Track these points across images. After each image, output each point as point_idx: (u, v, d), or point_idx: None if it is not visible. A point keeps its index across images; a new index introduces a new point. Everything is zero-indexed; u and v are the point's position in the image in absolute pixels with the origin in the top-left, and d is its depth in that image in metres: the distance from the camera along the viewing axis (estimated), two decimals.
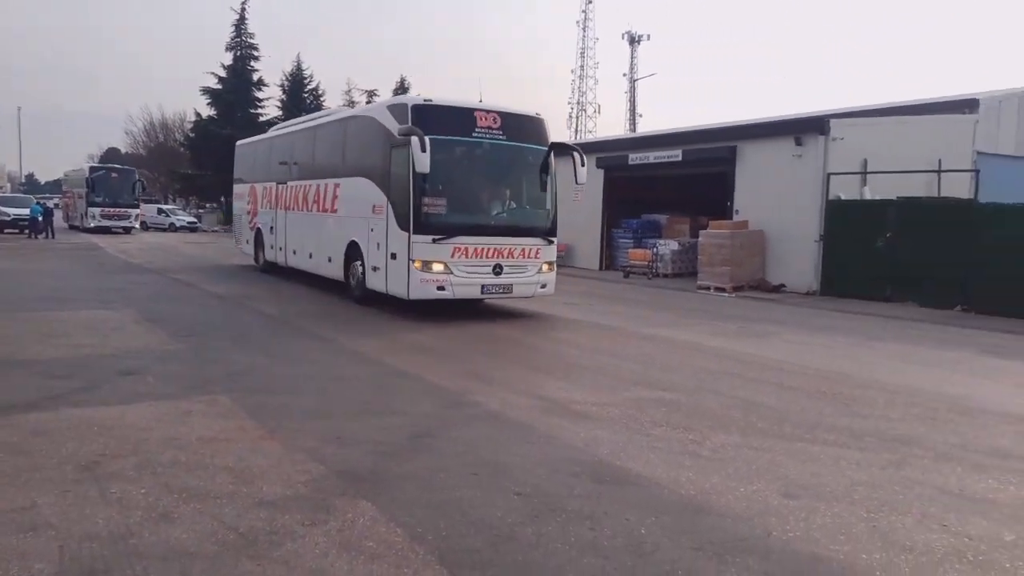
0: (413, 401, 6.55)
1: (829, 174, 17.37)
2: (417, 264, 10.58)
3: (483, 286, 11.03)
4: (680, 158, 21.42)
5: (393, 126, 11.08)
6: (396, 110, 11.33)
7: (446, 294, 10.78)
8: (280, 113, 49.23)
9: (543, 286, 11.68)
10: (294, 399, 6.47)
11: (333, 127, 14.64)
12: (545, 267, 11.63)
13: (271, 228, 17.40)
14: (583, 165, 11.84)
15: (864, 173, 17.86)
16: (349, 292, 12.91)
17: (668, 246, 21.39)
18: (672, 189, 24.01)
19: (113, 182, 36.94)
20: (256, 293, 14.19)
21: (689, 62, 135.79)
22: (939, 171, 18.06)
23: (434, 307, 11.44)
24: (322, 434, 5.41)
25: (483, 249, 10.92)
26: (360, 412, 6.11)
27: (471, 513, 4.12)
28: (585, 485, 4.63)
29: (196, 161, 50.60)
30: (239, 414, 5.87)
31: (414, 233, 10.58)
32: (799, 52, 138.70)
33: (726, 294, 17.25)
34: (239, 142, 21.46)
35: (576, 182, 11.71)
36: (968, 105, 24.35)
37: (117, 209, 36.51)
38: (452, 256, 10.69)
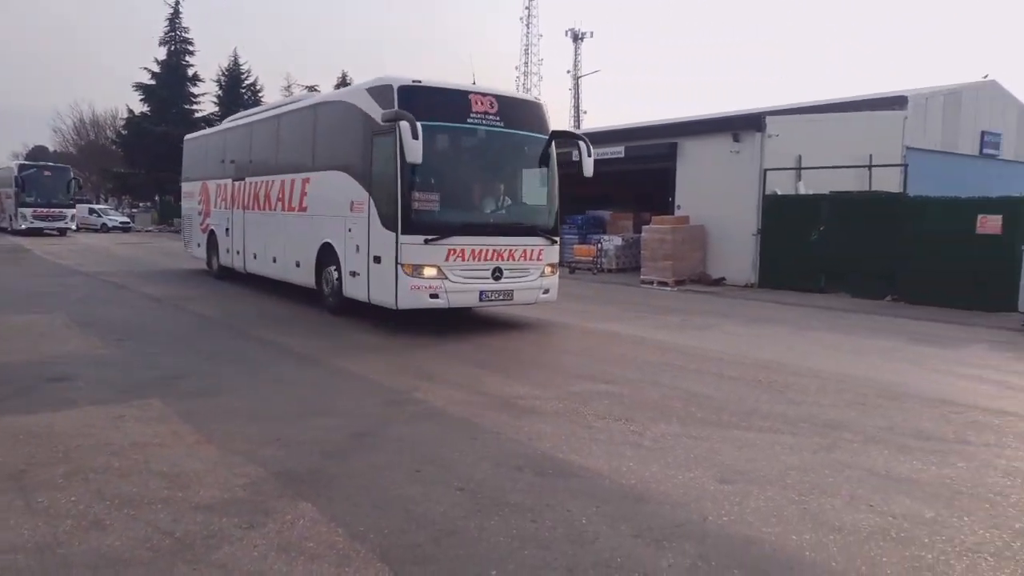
0: (356, 401, 6.49)
1: (766, 170, 17.84)
2: (406, 269, 9.27)
3: (481, 292, 9.76)
4: (623, 154, 21.69)
5: (375, 111, 9.73)
6: (378, 93, 9.85)
7: (440, 302, 9.49)
8: (216, 109, 48.13)
9: (546, 291, 10.47)
10: (233, 402, 6.34)
11: (300, 115, 12.95)
12: (548, 270, 10.44)
13: (227, 230, 15.74)
14: (590, 156, 10.59)
15: (799, 169, 18.40)
16: (323, 301, 11.44)
17: (612, 242, 21.67)
18: (615, 185, 24.27)
19: (46, 181, 35.38)
20: (198, 295, 13.84)
21: (632, 59, 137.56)
22: (870, 166, 18.74)
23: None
24: (261, 437, 5.32)
25: (481, 250, 9.67)
26: (301, 413, 6.02)
27: (414, 510, 4.12)
28: (528, 478, 4.67)
29: (129, 159, 49.08)
30: (174, 419, 5.72)
31: (403, 233, 9.24)
32: (739, 51, 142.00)
33: (668, 288, 17.57)
34: (187, 136, 20.23)
35: (583, 174, 10.59)
36: (898, 102, 25.34)
37: (51, 209, 34.96)
38: (447, 259, 9.41)
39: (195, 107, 49.36)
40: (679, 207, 19.75)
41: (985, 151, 30.04)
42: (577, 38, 69.84)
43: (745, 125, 18.67)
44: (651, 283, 18.08)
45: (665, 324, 11.65)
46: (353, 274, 10.42)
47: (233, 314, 11.59)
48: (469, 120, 9.69)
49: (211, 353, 8.45)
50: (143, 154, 45.57)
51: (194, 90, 49.17)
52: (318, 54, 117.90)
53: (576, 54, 70.21)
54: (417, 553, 3.61)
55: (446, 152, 9.86)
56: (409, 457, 4.98)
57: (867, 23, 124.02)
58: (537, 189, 10.61)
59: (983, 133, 29.92)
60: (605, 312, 12.99)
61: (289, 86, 52.58)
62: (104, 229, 41.77)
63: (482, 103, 9.76)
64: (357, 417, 5.93)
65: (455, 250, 9.48)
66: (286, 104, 14.64)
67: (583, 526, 3.97)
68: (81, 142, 66.68)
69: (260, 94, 50.82)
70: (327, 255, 11.25)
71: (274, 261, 13.32)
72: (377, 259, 9.74)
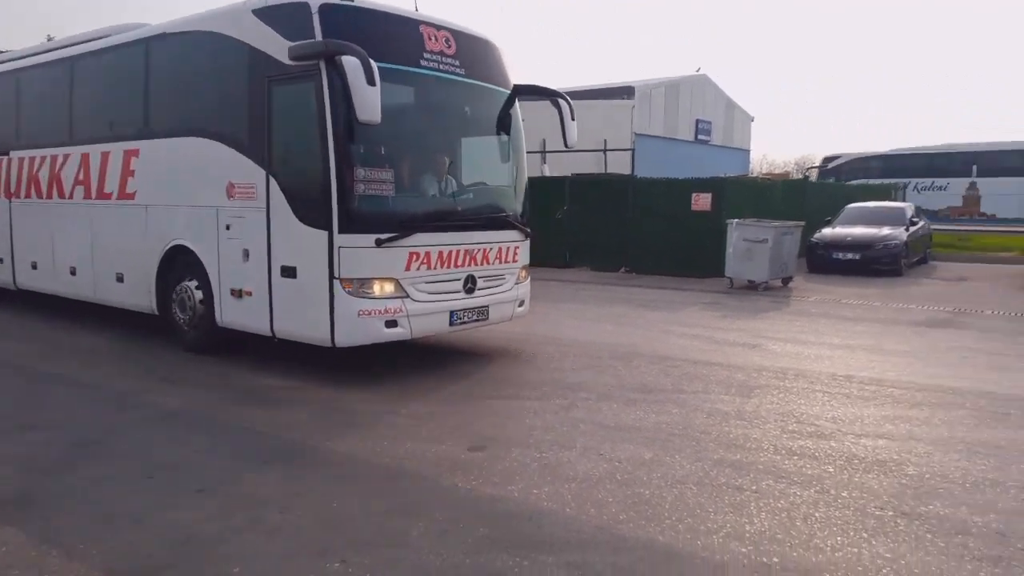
0: (77, 408, 5.81)
1: None
2: (347, 285, 6.30)
3: (452, 312, 7.02)
4: None
5: (274, 45, 6.55)
6: (279, 17, 6.59)
7: (400, 332, 6.60)
8: None
9: (521, 303, 8.07)
10: None
11: (117, 56, 8.76)
12: (522, 274, 8.10)
13: None
14: (573, 119, 8.25)
15: (544, 152, 19.61)
16: (179, 334, 7.91)
17: None
18: None
19: None
20: None
21: None
22: (605, 150, 20.53)
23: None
24: None
25: (451, 252, 6.98)
26: (5, 429, 5.25)
27: (146, 519, 3.79)
28: (278, 471, 4.52)
29: None
30: None
31: (341, 232, 6.24)
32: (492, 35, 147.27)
33: None
34: None
35: (565, 143, 8.38)
36: (626, 92, 27.97)
37: None
38: (407, 268, 6.59)
39: None
40: None
41: (699, 137, 34.37)
42: None
43: None
44: None
45: None
46: (238, 294, 7.14)
47: None
48: (423, 63, 6.86)
49: None
50: None
51: None
52: (12, 15, 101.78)
53: None
54: (149, 563, 3.34)
55: (395, 110, 6.63)
56: (140, 464, 4.57)
57: (595, 19, 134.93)
58: (503, 164, 8.09)
59: (697, 121, 34.16)
60: None
61: None
62: None
63: (436, 40, 6.99)
64: (78, 426, 5.30)
65: (418, 254, 6.68)
66: (87, 41, 9.66)
67: (335, 510, 3.93)
68: None
69: None
70: (180, 264, 7.83)
71: (73, 274, 9.37)
72: (288, 271, 6.65)
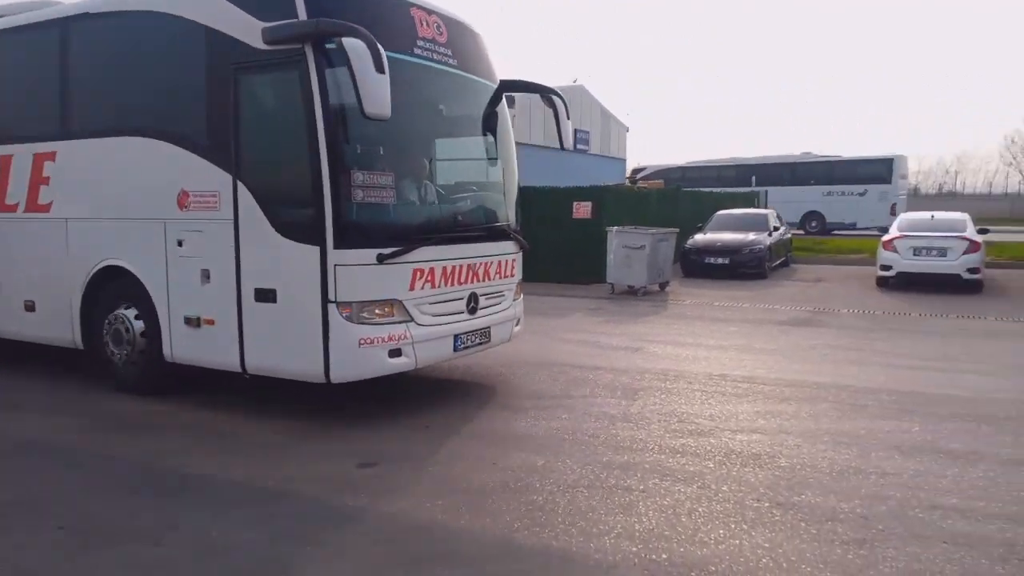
0: None
1: None
2: (344, 310, 5.37)
3: (456, 337, 6.18)
4: None
5: (241, 25, 5.55)
6: None
7: (404, 362, 5.70)
8: None
9: (517, 322, 7.30)
10: None
11: (28, 39, 7.30)
12: (517, 290, 7.30)
13: None
14: (569, 118, 7.34)
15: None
16: (113, 372, 6.62)
17: None
18: None
19: None
20: None
21: None
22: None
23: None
24: None
25: (455, 268, 6.17)
26: None
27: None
28: (148, 501, 4.22)
29: None
30: None
31: (337, 247, 5.30)
32: None
33: None
34: None
35: (561, 145, 7.50)
36: (507, 101, 28.24)
37: None
38: (412, 287, 5.73)
39: None
40: None
41: (578, 147, 35.32)
42: None
43: None
44: None
45: None
46: (195, 322, 6.04)
47: None
48: (416, 51, 5.97)
49: None
50: None
51: None
52: None
53: None
54: None
55: (394, 103, 5.39)
56: None
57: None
58: (499, 167, 7.20)
59: (575, 131, 35.07)
60: None
61: None
62: None
63: (428, 25, 6.14)
64: None
65: (422, 270, 5.80)
66: None
67: (215, 539, 3.71)
68: None
69: None
70: (113, 289, 6.62)
71: None
72: (265, 294, 5.64)
